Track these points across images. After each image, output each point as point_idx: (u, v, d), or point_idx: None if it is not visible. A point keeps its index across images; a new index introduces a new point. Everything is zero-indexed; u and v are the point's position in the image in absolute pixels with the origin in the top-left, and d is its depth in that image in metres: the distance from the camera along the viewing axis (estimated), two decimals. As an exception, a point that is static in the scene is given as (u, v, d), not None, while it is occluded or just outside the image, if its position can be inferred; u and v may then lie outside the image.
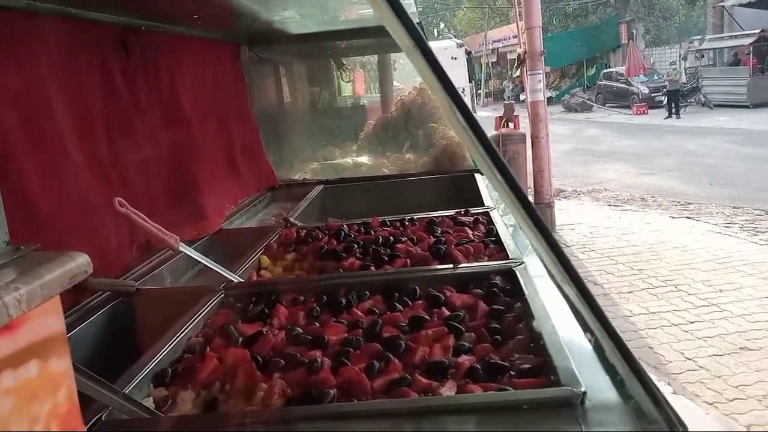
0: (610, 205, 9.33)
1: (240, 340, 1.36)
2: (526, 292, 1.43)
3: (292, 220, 2.41)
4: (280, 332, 1.38)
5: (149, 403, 1.17)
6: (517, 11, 9.18)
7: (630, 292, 5.65)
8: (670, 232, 7.48)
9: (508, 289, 1.50)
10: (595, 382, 0.98)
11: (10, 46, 1.45)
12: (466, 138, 0.79)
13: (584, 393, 0.94)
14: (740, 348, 4.39)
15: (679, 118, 19.30)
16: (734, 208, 8.35)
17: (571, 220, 8.45)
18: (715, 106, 20.23)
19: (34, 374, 0.71)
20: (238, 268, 1.84)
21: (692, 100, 20.91)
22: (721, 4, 22.42)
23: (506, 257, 1.70)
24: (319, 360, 1.21)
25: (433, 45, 10.88)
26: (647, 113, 21.31)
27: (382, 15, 0.75)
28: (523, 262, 1.62)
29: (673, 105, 19.62)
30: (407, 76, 5.06)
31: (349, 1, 3.24)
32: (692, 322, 4.92)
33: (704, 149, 13.44)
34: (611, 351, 0.81)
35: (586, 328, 1.05)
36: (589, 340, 1.03)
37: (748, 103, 19.21)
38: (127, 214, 1.51)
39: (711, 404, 3.80)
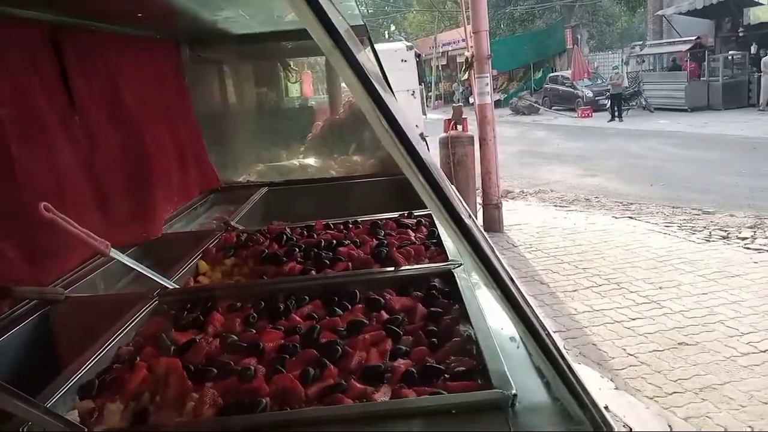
0: (555, 206, 9.55)
1: (172, 348, 1.31)
2: (463, 294, 1.44)
3: (233, 223, 2.36)
4: (214, 340, 1.35)
5: (74, 416, 1.12)
6: (465, 15, 9.30)
7: (575, 291, 5.78)
8: (613, 231, 7.71)
9: (447, 291, 1.51)
10: (526, 384, 0.99)
11: None
12: (389, 141, 0.78)
13: (515, 395, 0.95)
14: (679, 343, 4.55)
15: (622, 121, 19.97)
16: (673, 207, 8.67)
17: (518, 220, 8.62)
18: (655, 109, 21.01)
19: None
20: (174, 274, 1.79)
21: (634, 103, 21.66)
22: (661, 12, 23.31)
23: (446, 259, 1.71)
24: (253, 368, 1.18)
25: (383, 47, 10.87)
26: (592, 116, 21.95)
27: (301, 15, 0.73)
28: (461, 264, 1.63)
29: (615, 108, 20.28)
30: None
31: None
32: (634, 319, 5.08)
33: (645, 151, 13.93)
34: (536, 353, 0.81)
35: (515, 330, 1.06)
36: (516, 344, 1.04)
37: (686, 107, 20.04)
38: (53, 219, 1.44)
39: (651, 398, 3.92)
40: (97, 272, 1.89)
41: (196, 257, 1.97)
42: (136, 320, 1.46)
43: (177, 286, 1.69)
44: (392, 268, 1.68)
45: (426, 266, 1.69)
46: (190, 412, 1.10)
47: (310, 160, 3.80)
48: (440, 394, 1.03)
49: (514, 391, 0.96)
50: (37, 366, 1.43)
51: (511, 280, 0.87)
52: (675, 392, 3.97)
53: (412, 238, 1.94)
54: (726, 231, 7.24)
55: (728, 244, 6.82)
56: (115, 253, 1.62)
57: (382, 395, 1.07)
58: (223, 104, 3.86)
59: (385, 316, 1.40)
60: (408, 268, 1.67)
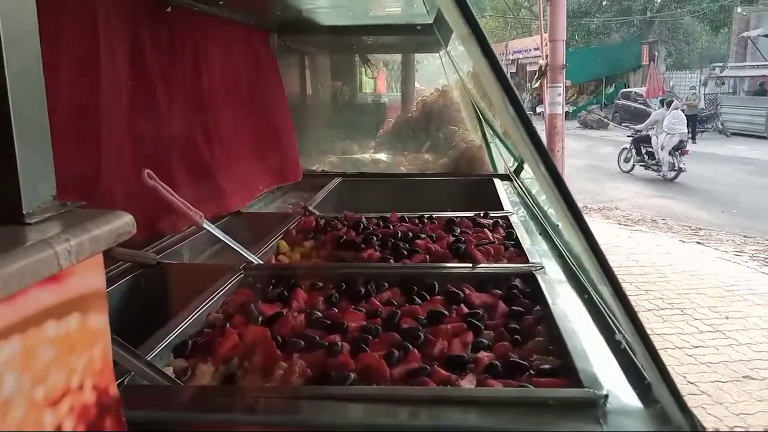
0: (620, 224, 9.30)
1: (260, 319, 1.36)
2: (546, 295, 1.43)
3: (310, 209, 2.42)
4: (299, 315, 1.39)
5: (170, 372, 1.18)
6: (542, 23, 9.18)
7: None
8: (679, 255, 7.45)
9: (528, 292, 1.50)
10: (616, 386, 0.98)
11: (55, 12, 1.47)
12: (515, 129, 0.79)
13: (606, 396, 0.94)
14: (743, 376, 4.37)
15: (695, 143, 19.22)
16: (745, 237, 8.30)
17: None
18: (732, 134, 20.14)
19: (74, 327, 0.71)
20: (257, 251, 1.85)
21: (709, 126, 20.83)
22: (746, 33, 22.32)
23: (526, 261, 1.70)
24: (340, 344, 1.22)
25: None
26: (663, 136, 21.23)
27: (441, 1, 0.75)
28: (543, 267, 1.62)
29: (689, 129, 19.55)
30: (429, 77, 5.07)
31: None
32: (696, 347, 4.90)
33: (717, 175, 13.38)
34: (642, 353, 0.81)
35: (616, 329, 1.05)
36: (619, 342, 1.03)
37: (766, 134, 19.12)
38: (156, 186, 1.52)
39: (711, 431, 3.78)
40: (186, 242, 1.97)
41: (278, 237, 2.03)
42: (224, 290, 1.52)
43: (261, 262, 1.75)
44: (470, 265, 1.69)
45: (506, 266, 1.69)
46: (278, 379, 1.14)
47: (382, 155, 3.84)
48: (527, 387, 1.03)
49: (605, 392, 0.95)
50: (130, 325, 1.51)
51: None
52: (737, 426, 3.81)
53: (490, 237, 1.94)
54: (801, 265, 6.89)
55: (803, 278, 6.49)
56: (207, 225, 1.70)
57: (468, 383, 1.08)
58: (303, 94, 3.95)
59: (465, 309, 1.41)
60: (487, 266, 1.67)
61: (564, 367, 1.10)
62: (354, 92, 4.67)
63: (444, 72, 4.39)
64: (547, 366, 1.12)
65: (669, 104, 14.62)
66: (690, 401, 4.20)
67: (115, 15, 1.74)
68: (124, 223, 0.76)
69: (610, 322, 1.27)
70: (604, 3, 30.28)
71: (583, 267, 1.59)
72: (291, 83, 3.75)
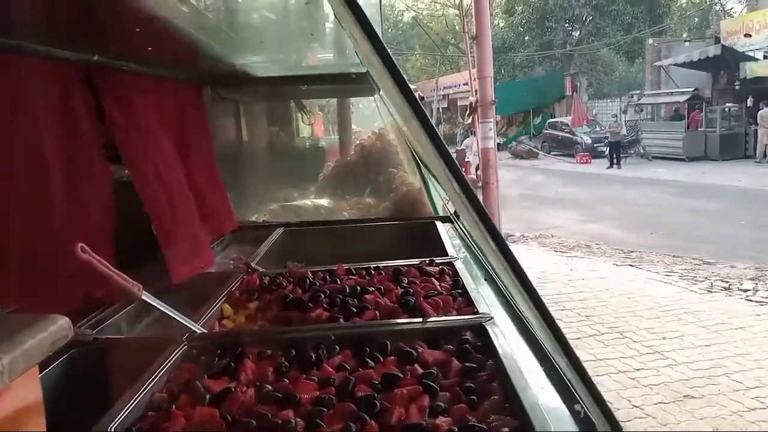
0: (556, 251, 9.58)
1: (207, 397, 1.30)
2: (498, 348, 1.43)
3: (253, 265, 2.36)
4: (248, 389, 1.33)
5: (111, 468, 1.10)
6: (470, 60, 9.50)
7: (578, 339, 5.75)
8: (615, 279, 7.72)
9: (479, 346, 1.50)
10: (577, 448, 0.98)
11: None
12: (447, 182, 0.79)
13: (568, 460, 0.94)
14: (684, 396, 4.52)
15: (620, 168, 20.19)
16: (674, 257, 8.71)
17: (520, 263, 8.62)
18: (653, 157, 21.28)
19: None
20: (199, 317, 1.77)
21: (632, 151, 21.95)
22: (659, 63, 23.83)
23: (475, 311, 1.71)
24: (293, 421, 1.17)
25: (388, 89, 11.03)
26: (590, 162, 22.21)
27: (383, 85, 0.75)
28: (492, 317, 1.63)
29: (614, 155, 20.53)
30: (366, 119, 5.12)
31: (311, 47, 3.27)
32: (638, 369, 5.05)
33: (644, 199, 14.06)
34: (602, 424, 0.81)
35: (574, 399, 1.06)
36: (578, 412, 1.04)
37: (684, 157, 20.31)
38: (90, 260, 1.44)
39: (658, 454, 3.87)
40: (122, 313, 1.87)
41: (221, 300, 1.96)
42: (167, 365, 1.44)
43: (204, 330, 1.68)
44: (420, 319, 1.68)
45: (456, 318, 1.69)
46: (230, 466, 1.08)
47: (323, 201, 3.82)
48: (489, 456, 1.02)
49: (566, 456, 0.95)
50: (68, 412, 1.41)
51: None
52: (681, 449, 3.92)
53: (438, 287, 1.94)
54: (727, 282, 7.26)
55: (730, 295, 6.83)
56: (146, 296, 1.62)
57: (429, 455, 1.05)
58: (238, 143, 3.90)
59: (419, 369, 1.39)
60: (437, 320, 1.67)
61: (521, 428, 1.10)
62: (291, 138, 4.65)
63: (380, 114, 4.44)
64: (506, 429, 1.11)
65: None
66: (637, 425, 4.29)
67: (34, 77, 1.66)
68: (59, 327, 0.71)
69: (562, 373, 1.28)
70: (526, 38, 31.70)
71: (530, 321, 1.61)
72: (226, 132, 3.70)
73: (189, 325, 1.64)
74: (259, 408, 1.26)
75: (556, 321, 0.83)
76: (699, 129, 20.77)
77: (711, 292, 6.97)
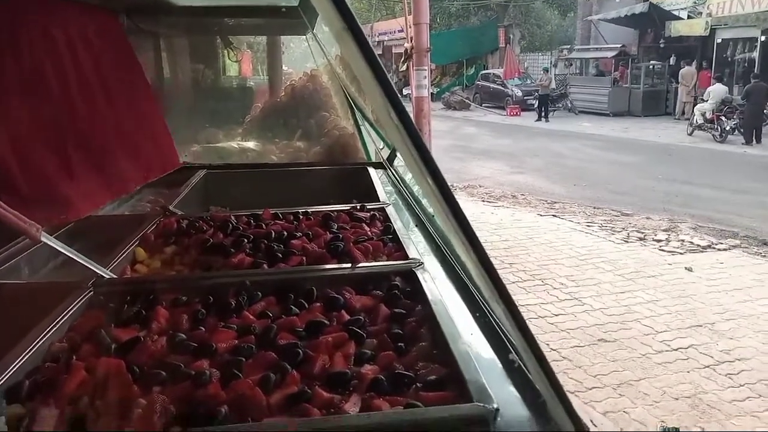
0: (484, 201, 9.76)
1: (113, 347, 1.19)
2: (427, 294, 1.39)
3: (171, 208, 2.21)
4: (160, 338, 1.23)
5: (1, 423, 0.99)
6: (406, 6, 9.27)
7: (502, 286, 5.91)
8: (538, 228, 7.97)
9: (409, 291, 1.45)
10: (506, 398, 0.95)
11: None
12: (387, 118, 0.71)
13: (497, 410, 0.91)
14: (598, 340, 4.75)
15: (548, 121, 20.66)
16: (594, 208, 9.06)
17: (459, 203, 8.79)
18: (579, 112, 21.87)
19: None
20: (109, 262, 1.64)
21: (560, 105, 22.46)
22: (589, 18, 24.20)
23: (405, 257, 1.66)
24: (207, 372, 1.09)
25: (321, 31, 10.69)
26: (520, 115, 22.58)
27: (325, 16, 0.65)
28: (422, 263, 1.58)
29: (543, 109, 20.95)
30: (297, 60, 4.91)
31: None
32: (557, 315, 5.27)
33: (569, 152, 14.47)
34: (537, 375, 0.77)
35: (509, 348, 1.03)
36: (513, 361, 1.00)
37: (609, 112, 20.98)
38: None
39: (572, 393, 4.06)
40: (23, 256, 1.70)
41: (133, 244, 1.81)
42: (69, 313, 1.32)
43: (114, 276, 1.55)
44: (349, 265, 1.61)
45: (385, 264, 1.63)
46: (137, 420, 0.99)
47: (250, 144, 3.65)
48: (416, 405, 0.97)
49: (495, 405, 0.92)
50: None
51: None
52: (594, 387, 4.14)
53: (368, 233, 1.88)
54: (643, 233, 7.62)
55: (645, 245, 7.18)
56: (46, 238, 1.46)
57: (353, 405, 1.00)
58: (159, 79, 3.63)
59: (346, 316, 1.33)
60: (366, 265, 1.60)
61: (450, 376, 1.06)
62: (217, 76, 4.39)
63: (312, 55, 4.25)
64: (433, 377, 1.07)
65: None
66: (554, 367, 4.52)
67: None
68: None
69: (493, 321, 1.26)
70: (463, -14, 31.39)
71: (461, 262, 1.57)
72: (144, 68, 3.43)
73: (96, 270, 1.50)
74: (170, 358, 1.17)
75: (494, 265, 0.78)
76: (624, 85, 21.43)
77: (627, 242, 7.31)
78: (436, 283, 1.46)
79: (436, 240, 1.83)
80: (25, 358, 1.14)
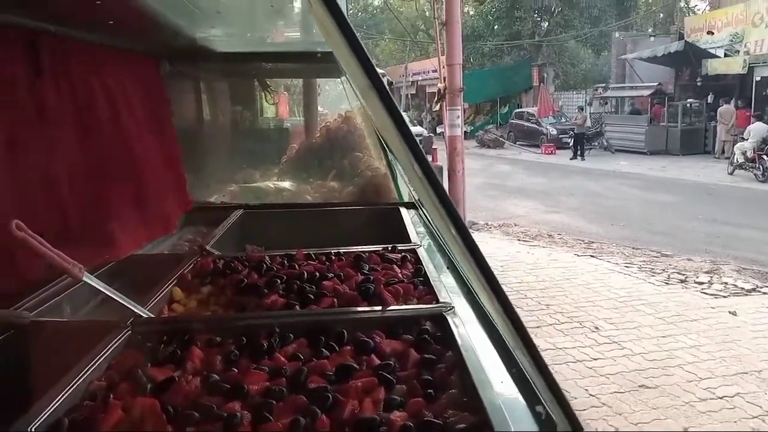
0: (519, 240, 9.66)
1: (149, 386, 1.22)
2: (457, 339, 1.39)
3: (208, 248, 2.26)
4: (194, 379, 1.26)
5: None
6: (440, 47, 9.44)
7: (538, 327, 5.81)
8: (575, 269, 7.82)
9: (439, 336, 1.45)
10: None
11: None
12: (422, 190, 0.74)
13: (526, 460, 0.90)
14: (639, 386, 4.60)
15: (584, 159, 20.49)
16: (633, 248, 8.87)
17: (483, 253, 8.69)
18: (615, 150, 21.66)
19: None
20: (147, 301, 1.68)
21: (596, 143, 22.29)
22: (624, 56, 24.17)
23: (436, 300, 1.66)
24: (239, 414, 1.10)
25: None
26: (555, 153, 22.48)
27: (339, 54, 0.68)
28: (453, 307, 1.58)
29: (578, 147, 20.82)
30: (332, 102, 5.02)
31: (275, 23, 3.16)
32: (595, 359, 5.13)
33: (606, 191, 14.29)
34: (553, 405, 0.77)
35: (535, 399, 1.02)
36: (540, 414, 0.99)
37: (646, 150, 20.72)
38: (25, 238, 1.34)
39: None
40: (64, 295, 1.77)
41: (171, 283, 1.86)
42: (108, 351, 1.36)
43: (151, 315, 1.59)
44: (380, 308, 1.62)
45: (416, 307, 1.64)
46: (169, 461, 1.01)
47: (286, 184, 3.72)
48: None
49: (524, 455, 0.91)
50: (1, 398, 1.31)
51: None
52: (634, 436, 3.99)
53: (399, 275, 1.89)
54: (684, 275, 7.42)
55: (686, 288, 6.98)
56: (88, 278, 1.52)
57: (381, 452, 1.00)
58: (198, 121, 3.76)
59: (376, 360, 1.34)
60: (397, 309, 1.61)
61: (480, 425, 1.05)
62: (254, 117, 4.52)
63: (347, 97, 4.35)
64: (462, 425, 1.06)
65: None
66: (593, 414, 4.34)
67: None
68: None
69: (523, 369, 1.24)
70: (495, 27, 31.78)
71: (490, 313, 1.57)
72: (185, 110, 3.56)
73: (134, 309, 1.55)
74: (204, 399, 1.19)
75: (519, 315, 0.78)
76: (661, 123, 21.20)
77: (668, 284, 7.12)
78: (466, 328, 1.46)
79: (467, 283, 1.83)
80: (65, 396, 1.18)
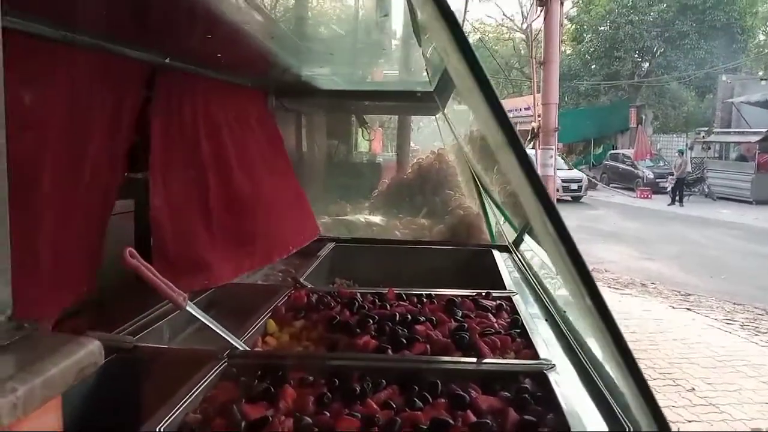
0: (610, 287, 9.21)
1: (243, 424, 1.22)
2: (561, 402, 1.30)
3: (302, 281, 2.29)
4: (287, 419, 1.25)
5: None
6: (535, 85, 9.32)
7: (629, 384, 5.46)
8: (670, 322, 7.34)
9: (540, 396, 1.37)
10: None
11: (37, 75, 1.37)
12: (552, 247, 0.69)
13: None
14: (740, 456, 4.21)
15: (682, 205, 19.43)
16: (735, 304, 8.24)
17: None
18: (717, 198, 20.41)
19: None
20: (242, 332, 1.71)
21: (696, 189, 21.12)
22: (731, 100, 22.92)
23: (535, 355, 1.58)
24: (333, 463, 1.07)
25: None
26: (651, 198, 21.47)
27: (476, 109, 0.65)
28: (554, 365, 1.50)
29: (677, 192, 19.80)
30: (425, 139, 5.04)
31: (378, 62, 3.23)
32: (690, 421, 4.74)
33: (706, 240, 13.43)
34: None
35: None
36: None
37: (751, 199, 19.40)
38: (137, 266, 1.40)
39: None
40: (164, 320, 1.83)
41: (265, 315, 1.89)
42: (205, 383, 1.38)
43: (247, 348, 1.61)
44: (475, 360, 1.56)
45: (514, 362, 1.56)
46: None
47: (376, 218, 3.75)
48: None
49: None
50: (102, 417, 1.36)
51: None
52: None
53: (495, 324, 1.82)
54: (792, 336, 6.79)
55: (795, 351, 6.37)
56: (191, 308, 1.56)
57: None
58: (298, 153, 3.88)
59: (472, 417, 1.27)
60: (493, 362, 1.54)
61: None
62: (349, 151, 4.62)
63: (440, 134, 4.36)
64: (569, 502, 0.98)
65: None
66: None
67: (104, 79, 1.65)
68: (88, 353, 0.64)
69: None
70: (593, 67, 31.09)
71: (598, 365, 1.47)
72: (286, 142, 3.68)
73: (231, 341, 1.57)
74: (296, 442, 1.17)
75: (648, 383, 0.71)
76: (769, 172, 19.84)
77: (775, 345, 6.54)
78: (568, 389, 1.37)
79: (568, 338, 1.73)
80: (164, 425, 1.19)
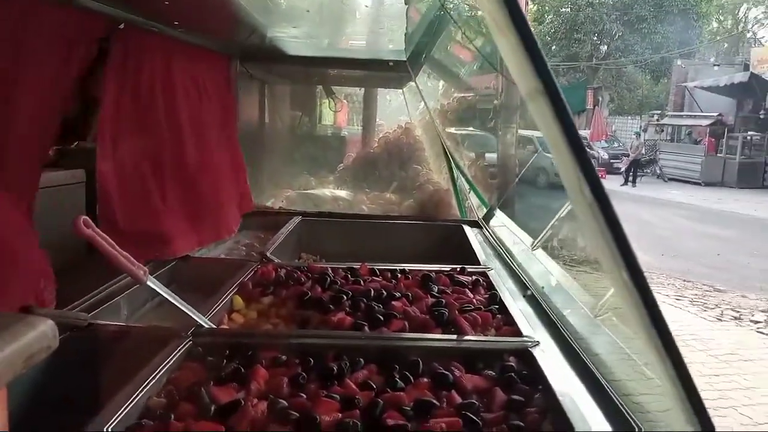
0: (565, 264, 9.34)
1: (212, 408, 1.11)
2: (549, 380, 1.24)
3: (269, 254, 2.17)
4: (260, 402, 1.15)
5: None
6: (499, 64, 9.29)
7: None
8: (623, 299, 7.50)
9: (526, 375, 1.31)
10: None
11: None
12: (587, 211, 0.61)
13: None
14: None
15: (635, 186, 19.90)
16: (684, 281, 8.48)
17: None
18: (669, 179, 20.98)
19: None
20: (208, 309, 1.59)
21: (648, 170, 21.64)
22: (684, 84, 23.47)
23: (518, 333, 1.51)
24: (313, 450, 0.99)
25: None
26: (605, 178, 21.86)
27: (507, 47, 0.56)
28: (538, 342, 1.44)
29: (630, 173, 20.25)
30: (392, 114, 4.93)
31: (352, 26, 3.08)
32: (641, 394, 4.84)
33: (658, 220, 13.78)
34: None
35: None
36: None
37: (701, 181, 20.01)
38: (92, 236, 1.27)
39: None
40: (122, 295, 1.69)
41: (232, 291, 1.77)
42: (168, 363, 1.26)
43: (213, 325, 1.50)
44: (455, 337, 1.49)
45: (497, 339, 1.50)
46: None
47: (342, 192, 3.64)
48: None
49: None
50: (52, 408, 1.23)
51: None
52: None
53: (473, 300, 1.75)
54: (738, 312, 7.04)
55: (740, 325, 6.61)
56: (152, 282, 1.44)
57: None
58: (260, 123, 3.72)
59: (458, 398, 1.20)
60: (475, 339, 1.48)
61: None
62: (313, 124, 4.47)
63: (407, 108, 4.25)
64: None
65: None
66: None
67: (57, 34, 1.48)
68: (40, 335, 0.52)
69: (627, 415, 1.11)
70: (553, 47, 31.32)
71: (583, 342, 1.42)
72: (249, 111, 3.52)
73: (196, 318, 1.46)
74: (271, 427, 1.08)
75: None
76: (718, 155, 20.46)
77: (721, 320, 6.75)
78: (555, 367, 1.31)
79: (549, 314, 1.68)
80: (124, 412, 1.08)
